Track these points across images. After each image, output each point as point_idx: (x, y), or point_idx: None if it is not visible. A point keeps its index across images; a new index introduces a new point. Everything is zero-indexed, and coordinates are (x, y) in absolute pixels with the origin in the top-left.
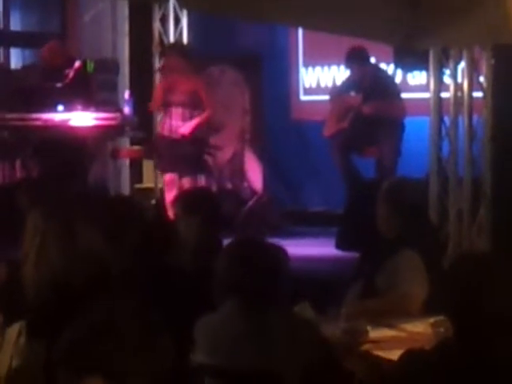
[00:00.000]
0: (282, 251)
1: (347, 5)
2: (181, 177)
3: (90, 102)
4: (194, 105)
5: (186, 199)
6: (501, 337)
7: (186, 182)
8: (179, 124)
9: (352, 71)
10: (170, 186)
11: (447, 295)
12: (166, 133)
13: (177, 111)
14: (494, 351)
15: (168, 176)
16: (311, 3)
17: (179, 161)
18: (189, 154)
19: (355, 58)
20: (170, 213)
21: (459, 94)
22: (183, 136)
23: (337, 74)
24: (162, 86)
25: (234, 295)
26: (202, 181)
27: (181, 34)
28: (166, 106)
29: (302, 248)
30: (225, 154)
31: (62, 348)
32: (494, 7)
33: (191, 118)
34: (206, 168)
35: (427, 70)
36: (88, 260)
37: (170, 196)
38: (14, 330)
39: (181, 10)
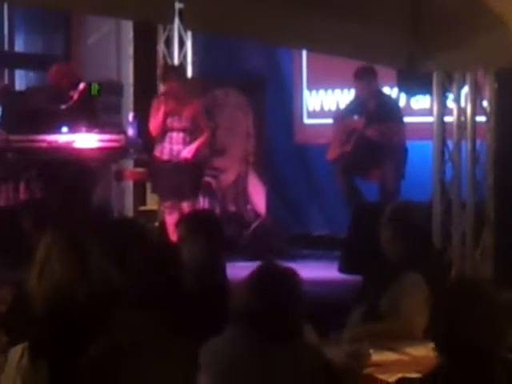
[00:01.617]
0: (298, 279)
1: (351, 28)
2: (180, 201)
3: (95, 124)
4: (194, 129)
5: (189, 221)
6: (485, 364)
7: (186, 206)
8: (180, 148)
9: (358, 89)
10: (170, 210)
11: (433, 324)
12: (165, 157)
13: (178, 136)
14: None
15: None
16: (315, 26)
17: (179, 185)
18: (189, 178)
19: (364, 76)
20: (172, 235)
21: (462, 118)
22: (186, 159)
23: (340, 98)
24: (164, 111)
25: (244, 321)
26: (205, 203)
27: (185, 56)
28: (167, 131)
29: (304, 271)
30: (228, 177)
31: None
32: (498, 31)
33: (191, 141)
34: (207, 191)
35: (431, 94)
36: (92, 277)
37: (170, 219)
38: (17, 351)
39: (185, 32)
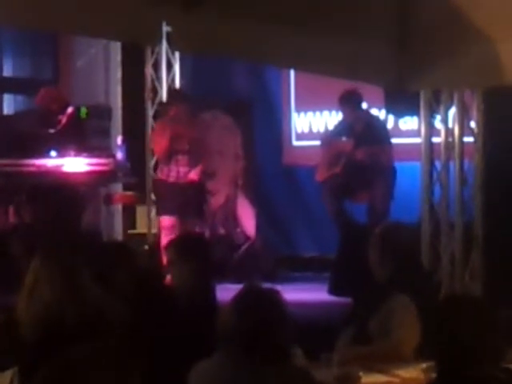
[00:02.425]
0: (281, 299)
1: (341, 48)
2: (184, 222)
3: (83, 148)
4: (196, 151)
5: (179, 245)
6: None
7: (190, 228)
8: (186, 170)
9: (344, 114)
10: (168, 231)
11: (430, 340)
12: (172, 179)
13: (183, 158)
14: None
15: (168, 220)
16: (304, 45)
17: (186, 205)
18: (196, 199)
19: (349, 101)
20: (165, 258)
21: (450, 139)
22: (193, 181)
23: (329, 120)
24: (169, 135)
25: (231, 344)
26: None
27: (173, 79)
28: (173, 153)
29: (294, 293)
30: (218, 199)
31: None
32: (484, 50)
33: (195, 163)
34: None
35: (418, 115)
36: (81, 300)
37: (166, 240)
38: (7, 377)
39: (173, 54)
